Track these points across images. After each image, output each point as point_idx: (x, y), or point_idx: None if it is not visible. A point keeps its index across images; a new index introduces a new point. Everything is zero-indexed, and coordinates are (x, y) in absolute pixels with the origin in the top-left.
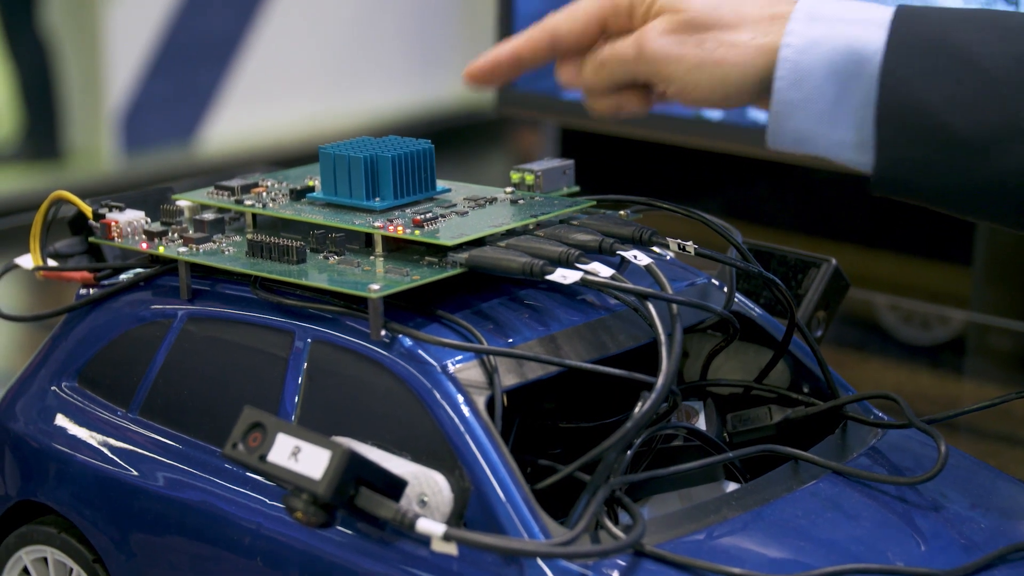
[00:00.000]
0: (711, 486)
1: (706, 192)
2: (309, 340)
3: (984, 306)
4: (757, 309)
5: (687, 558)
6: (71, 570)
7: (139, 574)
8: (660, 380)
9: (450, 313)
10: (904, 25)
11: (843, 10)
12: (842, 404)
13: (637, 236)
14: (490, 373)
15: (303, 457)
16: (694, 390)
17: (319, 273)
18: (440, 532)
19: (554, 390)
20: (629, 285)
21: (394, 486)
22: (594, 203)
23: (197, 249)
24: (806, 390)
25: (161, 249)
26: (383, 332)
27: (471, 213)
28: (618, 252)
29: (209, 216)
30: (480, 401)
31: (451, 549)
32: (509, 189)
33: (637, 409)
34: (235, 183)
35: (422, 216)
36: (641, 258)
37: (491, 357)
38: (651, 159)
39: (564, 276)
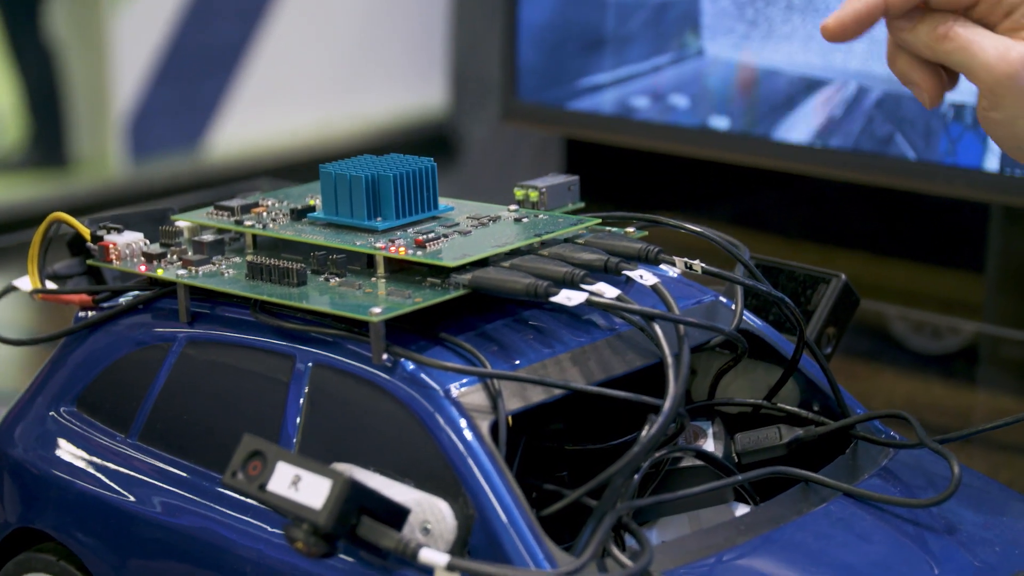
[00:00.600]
0: (720, 508)
1: (715, 202)
2: (310, 364)
3: (997, 316)
4: (766, 326)
5: None
6: None
7: None
8: (667, 403)
9: (454, 335)
10: None
11: None
12: (852, 423)
13: (643, 254)
14: (494, 397)
15: (303, 486)
16: (702, 409)
17: (320, 296)
18: (443, 562)
19: (561, 411)
20: (635, 306)
21: (396, 514)
22: (599, 221)
23: (196, 271)
24: (816, 408)
25: (160, 272)
26: (385, 356)
27: (474, 232)
28: (623, 272)
29: (208, 237)
30: (484, 426)
31: None
32: (513, 207)
33: (644, 433)
34: (235, 203)
35: (424, 236)
36: (647, 278)
37: (495, 381)
38: (660, 170)
39: (569, 298)
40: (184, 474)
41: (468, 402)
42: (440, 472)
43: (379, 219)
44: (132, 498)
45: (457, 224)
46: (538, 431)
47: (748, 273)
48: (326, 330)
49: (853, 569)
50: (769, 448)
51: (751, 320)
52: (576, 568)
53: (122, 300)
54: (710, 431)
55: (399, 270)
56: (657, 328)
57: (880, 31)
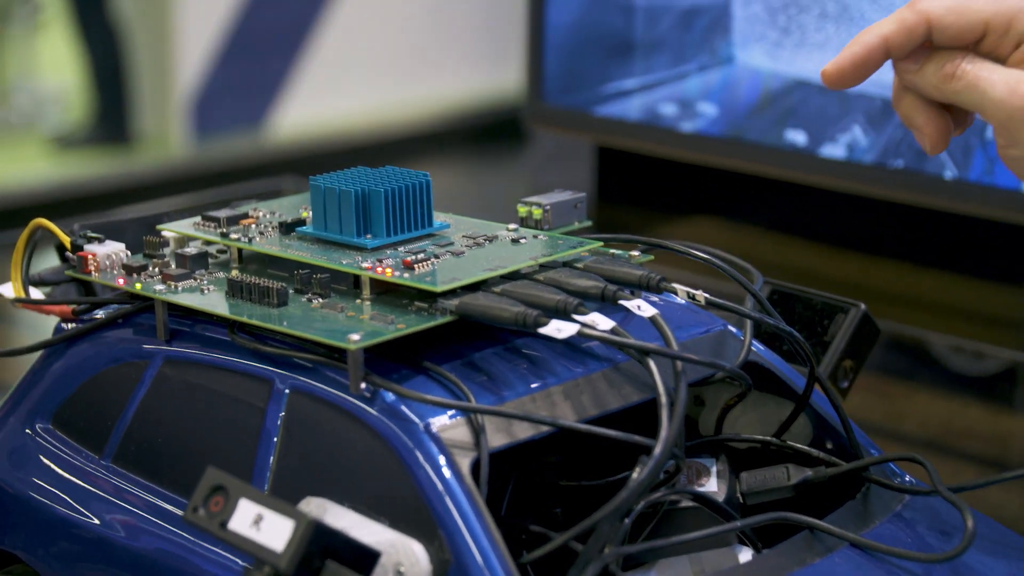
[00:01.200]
0: (723, 551)
1: (746, 210)
2: (287, 390)
3: None
4: (776, 359)
5: None
6: None
7: None
8: (658, 447)
9: (439, 364)
10: None
11: None
12: (865, 466)
13: (644, 282)
14: (477, 432)
15: (265, 526)
16: (707, 445)
17: (299, 318)
18: None
19: (557, 444)
20: (629, 340)
21: (365, 558)
22: (601, 244)
23: (176, 287)
24: (829, 446)
25: (138, 286)
26: (363, 385)
27: (468, 253)
28: (620, 302)
29: (192, 250)
30: (464, 463)
31: None
32: (512, 226)
33: (635, 475)
34: (223, 213)
35: (414, 256)
36: (645, 308)
37: (478, 415)
38: (690, 178)
39: (559, 329)
40: (157, 500)
41: (449, 437)
42: (416, 511)
43: (369, 236)
44: (102, 523)
45: (451, 244)
46: (532, 464)
47: (758, 304)
48: (305, 355)
49: None
50: (776, 489)
51: (761, 353)
52: None
53: (101, 314)
54: (714, 469)
55: (386, 291)
56: (652, 364)
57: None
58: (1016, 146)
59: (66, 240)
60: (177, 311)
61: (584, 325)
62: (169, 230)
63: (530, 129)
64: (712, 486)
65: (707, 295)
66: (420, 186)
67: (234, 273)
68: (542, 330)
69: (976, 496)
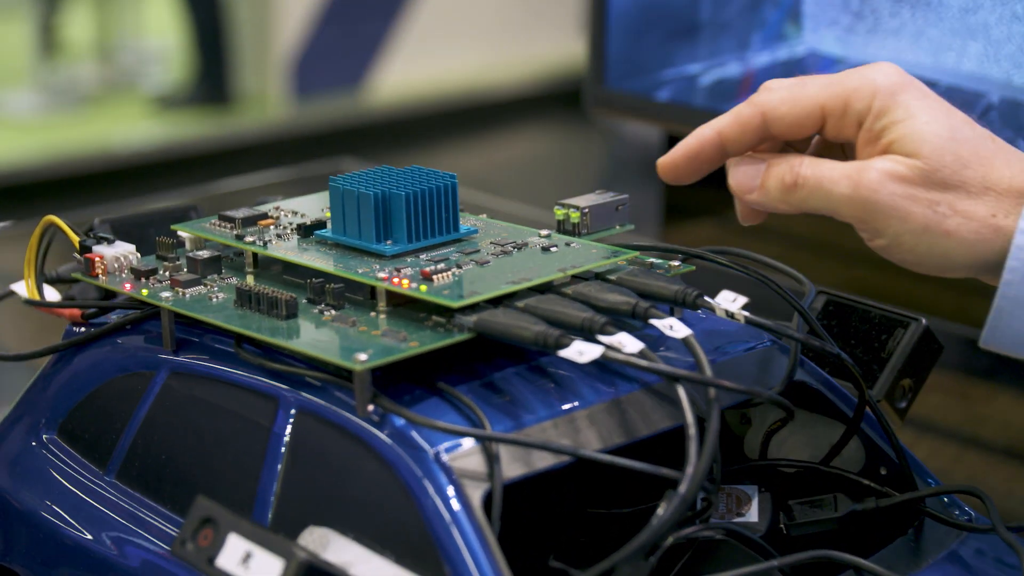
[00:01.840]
0: None
1: None
2: (294, 409)
3: None
4: (826, 380)
5: None
6: None
7: None
8: (684, 486)
9: (456, 383)
10: None
11: None
12: (919, 498)
13: (680, 297)
14: (491, 462)
15: (255, 564)
16: (750, 469)
17: (307, 333)
18: None
19: (584, 467)
20: (658, 365)
21: None
22: (636, 254)
23: (183, 294)
24: (883, 472)
25: (144, 292)
26: (371, 407)
27: (493, 263)
28: (651, 320)
29: (204, 254)
30: (476, 496)
31: None
32: (544, 232)
33: (660, 511)
34: (240, 213)
35: (434, 266)
36: (678, 329)
37: (493, 443)
38: None
39: (581, 352)
40: (159, 521)
41: (461, 466)
42: (423, 546)
43: (389, 242)
44: (102, 543)
45: (477, 251)
46: (558, 490)
47: (806, 323)
48: (312, 372)
49: None
50: (821, 521)
51: (809, 371)
52: None
53: (113, 319)
54: (755, 497)
55: (404, 303)
56: (681, 391)
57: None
58: (880, 235)
59: (75, 239)
60: (186, 318)
61: (609, 347)
62: (184, 230)
63: (591, 114)
64: (752, 516)
65: (747, 313)
66: (445, 188)
67: (249, 279)
68: (563, 353)
69: None
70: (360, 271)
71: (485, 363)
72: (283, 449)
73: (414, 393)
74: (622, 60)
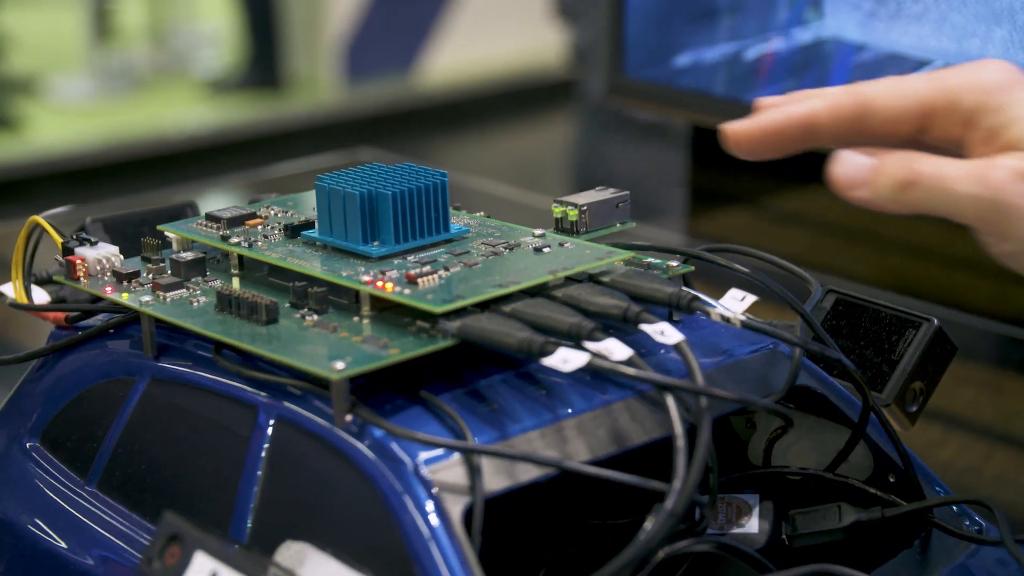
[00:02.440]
0: None
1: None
2: (272, 419)
3: None
4: (832, 384)
5: None
6: None
7: None
8: (670, 502)
9: (439, 391)
10: None
11: None
12: (927, 508)
13: (675, 300)
14: (473, 475)
15: None
16: (753, 476)
17: (290, 338)
18: None
19: (576, 479)
20: (646, 373)
21: None
22: (632, 255)
23: (164, 298)
24: (892, 480)
25: (124, 296)
26: (350, 417)
27: (483, 264)
28: (642, 325)
29: (188, 256)
30: (455, 510)
31: None
32: (539, 231)
33: (647, 525)
34: (227, 213)
35: (420, 269)
36: (669, 334)
37: (475, 455)
38: (803, 166)
39: (565, 360)
40: (138, 533)
41: (441, 480)
42: (401, 563)
43: (376, 244)
44: (82, 556)
45: (467, 252)
46: (548, 502)
47: (809, 328)
48: (291, 381)
49: None
50: (826, 531)
51: (813, 375)
52: None
53: (97, 323)
54: (756, 507)
55: (389, 307)
56: (670, 401)
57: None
58: (1007, 240)
59: (58, 240)
60: (165, 324)
61: (595, 355)
62: (170, 231)
63: (607, 103)
64: (752, 527)
65: (743, 317)
66: (435, 187)
67: (234, 282)
68: (546, 361)
69: None
70: (344, 274)
71: (471, 370)
72: (262, 460)
73: (395, 402)
74: (641, 47)
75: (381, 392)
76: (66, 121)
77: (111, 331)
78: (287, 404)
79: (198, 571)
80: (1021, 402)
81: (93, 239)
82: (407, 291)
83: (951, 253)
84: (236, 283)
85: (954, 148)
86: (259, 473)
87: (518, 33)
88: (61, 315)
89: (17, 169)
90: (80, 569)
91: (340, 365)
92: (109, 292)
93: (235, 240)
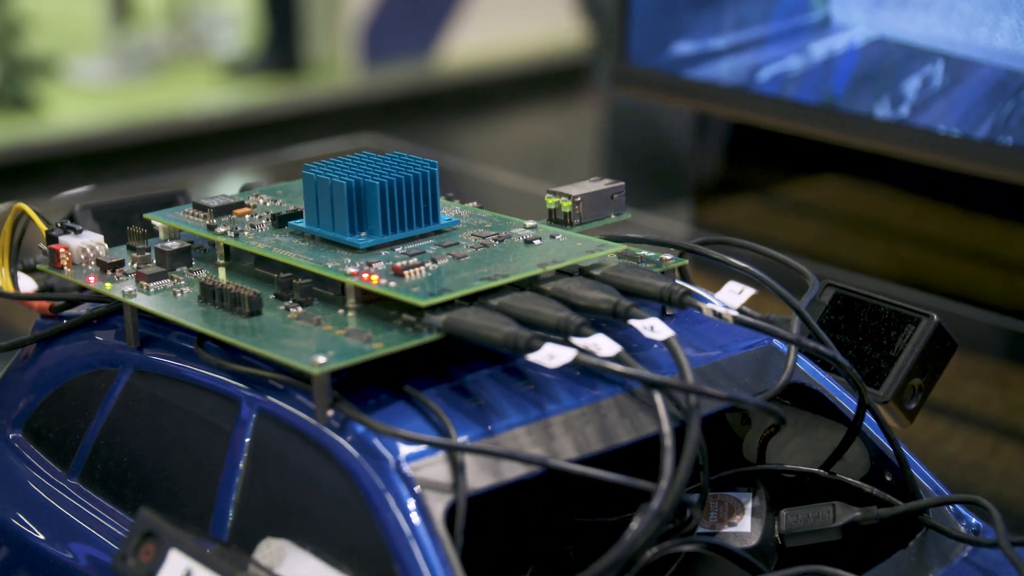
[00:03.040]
0: None
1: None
2: (254, 413)
3: None
4: (828, 381)
5: None
6: None
7: None
8: (656, 502)
9: (424, 386)
10: None
11: None
12: (921, 508)
13: (666, 295)
14: (456, 472)
15: None
16: (746, 473)
17: (273, 330)
18: None
19: (565, 476)
20: (634, 369)
21: None
22: (625, 247)
23: (148, 288)
24: (888, 479)
25: (108, 286)
26: (331, 412)
27: (471, 256)
28: (631, 321)
29: (173, 245)
30: (438, 508)
31: None
32: (530, 223)
33: (633, 525)
34: (214, 202)
35: (407, 260)
36: (659, 329)
37: (458, 452)
38: (814, 156)
39: (552, 356)
40: (118, 527)
41: (424, 477)
42: (382, 562)
43: (363, 234)
44: (67, 550)
45: (457, 244)
46: (537, 498)
47: (806, 325)
48: (273, 374)
49: None
50: (819, 531)
51: (808, 372)
52: None
53: (82, 312)
54: (749, 506)
55: (374, 300)
56: (658, 398)
57: None
58: None
59: (42, 227)
60: (148, 314)
61: (583, 351)
62: (156, 219)
63: (610, 92)
64: (745, 525)
65: (736, 313)
66: (424, 177)
67: (220, 272)
68: (532, 356)
69: None
70: (330, 265)
71: (457, 364)
72: (243, 454)
73: (379, 397)
74: (645, 35)
75: (365, 386)
76: (85, 102)
77: (94, 321)
78: (269, 398)
79: (172, 569)
80: None
81: (78, 227)
82: (393, 283)
83: (961, 245)
84: (222, 273)
85: None
86: (241, 467)
87: (539, 17)
88: (46, 304)
89: (36, 150)
90: (60, 563)
91: (322, 359)
92: (92, 282)
93: (221, 229)
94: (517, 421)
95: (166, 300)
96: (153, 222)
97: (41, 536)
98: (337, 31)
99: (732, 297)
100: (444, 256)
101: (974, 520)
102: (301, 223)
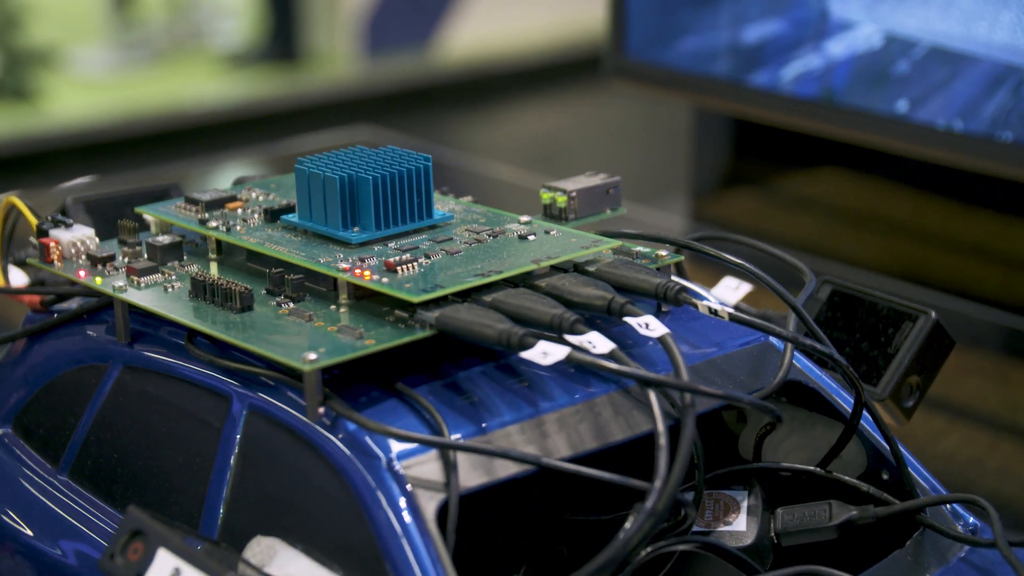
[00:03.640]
0: None
1: (877, 161)
2: (245, 409)
3: None
4: (825, 378)
5: None
6: None
7: None
8: (650, 501)
9: (417, 383)
10: None
11: None
12: (919, 507)
13: (661, 291)
14: (448, 470)
15: None
16: (742, 471)
17: (263, 326)
18: None
19: (559, 473)
20: (628, 368)
21: None
22: (620, 243)
23: (139, 282)
24: (885, 477)
25: (98, 280)
26: (322, 410)
27: (465, 252)
28: (626, 318)
29: (164, 239)
30: (430, 507)
31: None
32: (525, 218)
33: (627, 525)
34: (206, 196)
35: (399, 256)
36: (654, 326)
37: (451, 451)
38: (813, 150)
39: (545, 353)
40: (110, 525)
41: (416, 475)
42: (373, 561)
43: (356, 229)
44: (56, 547)
45: (450, 239)
46: (531, 497)
47: (801, 322)
48: (264, 371)
49: None
50: (815, 530)
51: (805, 370)
52: None
53: (72, 307)
54: (744, 504)
55: (367, 295)
56: (652, 397)
57: None
58: None
59: (33, 221)
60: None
61: (576, 348)
62: (148, 213)
63: (610, 84)
64: (741, 524)
65: (731, 310)
66: (418, 171)
67: (212, 267)
68: (525, 354)
69: None
70: (322, 261)
71: (451, 361)
72: (234, 451)
73: (371, 394)
74: (643, 27)
75: (357, 383)
76: (85, 93)
77: (84, 316)
78: (260, 394)
79: (160, 568)
80: None
81: (69, 221)
82: (385, 279)
83: (960, 239)
84: (214, 268)
85: None
86: (231, 464)
87: (542, 9)
88: (37, 298)
89: (37, 141)
90: (50, 559)
91: (312, 356)
92: (82, 276)
93: (213, 224)
94: (510, 419)
95: (157, 295)
96: (144, 216)
97: (30, 532)
98: (338, 22)
99: (729, 293)
100: (437, 252)
101: (972, 519)
102: (293, 218)
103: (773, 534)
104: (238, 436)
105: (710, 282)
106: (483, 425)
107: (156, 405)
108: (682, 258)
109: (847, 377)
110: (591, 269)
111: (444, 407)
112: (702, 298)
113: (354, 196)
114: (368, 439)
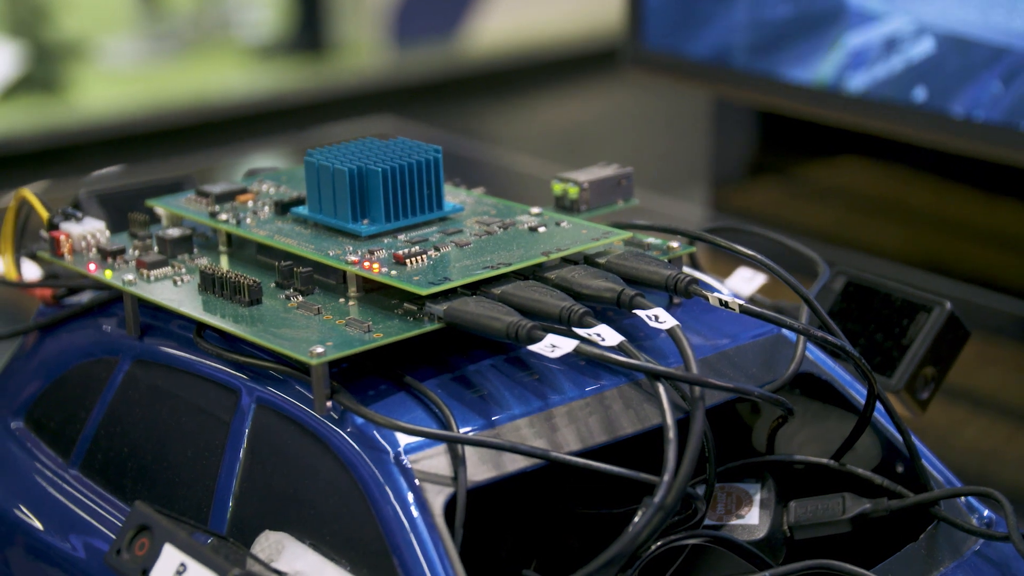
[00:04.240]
0: None
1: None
2: (253, 403)
3: None
4: (838, 370)
5: None
6: None
7: None
8: (658, 496)
9: (425, 377)
10: None
11: None
12: (933, 500)
13: (671, 283)
14: (456, 465)
15: None
16: (754, 466)
17: (272, 319)
18: None
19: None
20: (636, 361)
21: None
22: (631, 235)
23: (148, 276)
24: (900, 470)
25: (108, 273)
26: (330, 403)
27: (475, 244)
28: (636, 310)
29: (174, 232)
30: (437, 502)
31: None
32: (536, 209)
33: (636, 519)
34: (217, 188)
35: (408, 248)
36: (664, 319)
37: (458, 445)
38: (833, 139)
39: (553, 346)
40: (117, 517)
41: (423, 470)
42: (380, 554)
43: (366, 222)
44: (67, 540)
45: (460, 231)
46: (541, 490)
47: (814, 314)
48: (272, 364)
49: None
50: (829, 523)
51: (818, 362)
52: None
53: (84, 300)
54: (757, 497)
55: (376, 288)
56: (661, 390)
57: None
58: None
59: (44, 214)
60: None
61: (584, 340)
62: (158, 206)
63: (627, 73)
64: (753, 517)
65: (742, 302)
66: (428, 163)
67: (222, 260)
68: (533, 347)
69: None
70: (331, 253)
71: (460, 354)
72: (243, 445)
73: (379, 388)
74: (662, 15)
75: (365, 377)
76: (113, 85)
77: (95, 309)
78: (269, 388)
79: (167, 564)
80: None
81: (79, 214)
82: (394, 272)
83: (981, 229)
84: (224, 261)
85: None
86: (240, 458)
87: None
88: (47, 293)
89: (66, 134)
90: (60, 553)
91: (320, 349)
92: (92, 270)
93: (223, 217)
94: (519, 412)
95: (166, 288)
96: (155, 209)
97: (41, 526)
98: (365, 14)
99: (743, 284)
100: (447, 244)
101: (987, 512)
102: (303, 210)
103: (786, 527)
104: (247, 430)
105: (726, 273)
106: (492, 419)
107: (165, 399)
108: (694, 249)
109: (859, 369)
110: (601, 261)
111: (452, 401)
112: (713, 290)
113: (363, 188)
114: (376, 433)
